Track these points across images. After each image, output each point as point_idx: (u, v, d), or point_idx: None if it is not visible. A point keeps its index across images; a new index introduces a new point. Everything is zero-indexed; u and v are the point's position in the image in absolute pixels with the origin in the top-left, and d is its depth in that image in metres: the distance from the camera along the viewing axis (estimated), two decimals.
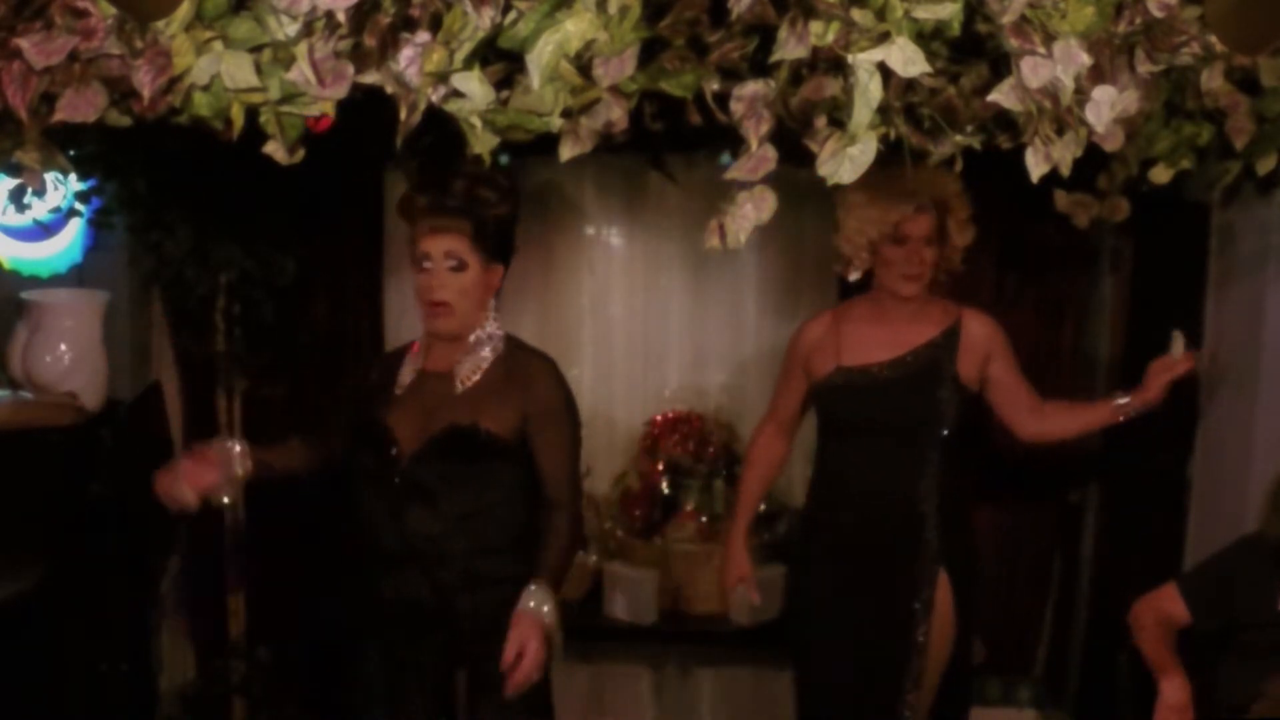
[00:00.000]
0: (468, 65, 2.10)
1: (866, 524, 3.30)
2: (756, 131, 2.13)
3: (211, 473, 2.91)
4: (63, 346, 3.69)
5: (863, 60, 2.04)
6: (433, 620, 2.91)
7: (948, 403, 3.27)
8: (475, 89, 2.11)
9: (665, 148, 3.85)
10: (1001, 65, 2.17)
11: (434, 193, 2.88)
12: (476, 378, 2.94)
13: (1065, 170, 2.23)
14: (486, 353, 2.96)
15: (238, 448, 2.95)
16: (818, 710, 3.42)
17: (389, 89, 2.12)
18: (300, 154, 2.31)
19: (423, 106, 2.12)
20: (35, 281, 3.95)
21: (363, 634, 2.97)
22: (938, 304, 3.37)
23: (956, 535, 3.30)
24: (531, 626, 2.74)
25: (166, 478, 2.90)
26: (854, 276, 3.33)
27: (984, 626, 4.42)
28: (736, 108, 2.13)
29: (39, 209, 3.56)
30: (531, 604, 2.76)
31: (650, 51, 2.15)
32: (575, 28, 2.03)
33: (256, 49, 2.14)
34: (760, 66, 2.14)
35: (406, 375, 2.99)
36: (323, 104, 2.18)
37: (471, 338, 2.96)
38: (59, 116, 2.19)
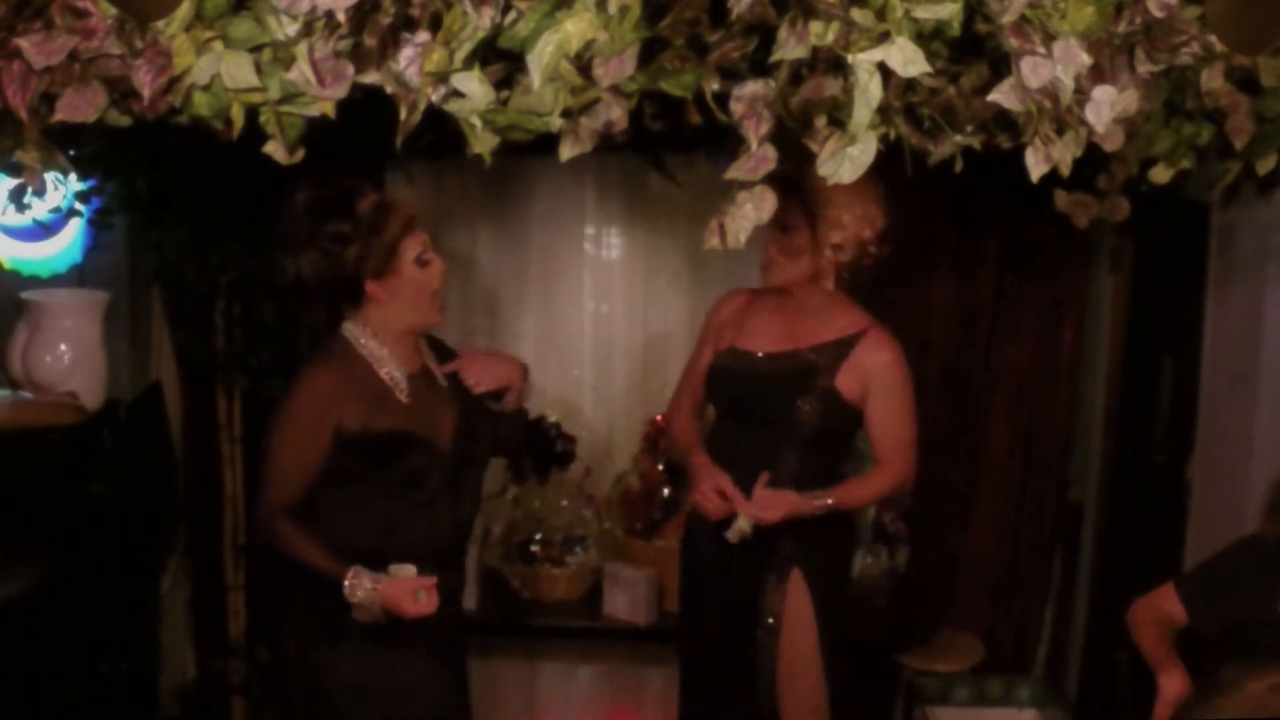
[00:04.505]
0: (468, 65, 2.10)
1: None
2: (756, 131, 2.13)
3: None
4: (63, 346, 3.68)
5: (863, 60, 2.05)
6: (444, 614, 2.95)
7: (809, 412, 3.20)
8: (475, 89, 2.12)
9: (665, 148, 3.85)
10: (1001, 65, 2.17)
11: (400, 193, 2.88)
12: (441, 372, 2.98)
13: (1065, 170, 2.24)
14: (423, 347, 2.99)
15: None
16: (694, 708, 3.50)
17: (389, 89, 2.12)
18: (300, 154, 2.32)
19: (422, 106, 2.12)
20: (35, 281, 3.94)
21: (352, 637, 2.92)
22: (848, 310, 3.28)
23: (815, 539, 3.24)
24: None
25: None
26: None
27: (984, 626, 4.45)
28: (736, 108, 2.13)
29: (39, 209, 3.55)
30: None
31: (650, 51, 2.15)
32: (575, 28, 2.03)
33: (256, 49, 2.15)
34: (760, 66, 2.14)
35: (400, 381, 2.89)
36: (323, 104, 2.18)
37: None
38: (59, 116, 2.19)
